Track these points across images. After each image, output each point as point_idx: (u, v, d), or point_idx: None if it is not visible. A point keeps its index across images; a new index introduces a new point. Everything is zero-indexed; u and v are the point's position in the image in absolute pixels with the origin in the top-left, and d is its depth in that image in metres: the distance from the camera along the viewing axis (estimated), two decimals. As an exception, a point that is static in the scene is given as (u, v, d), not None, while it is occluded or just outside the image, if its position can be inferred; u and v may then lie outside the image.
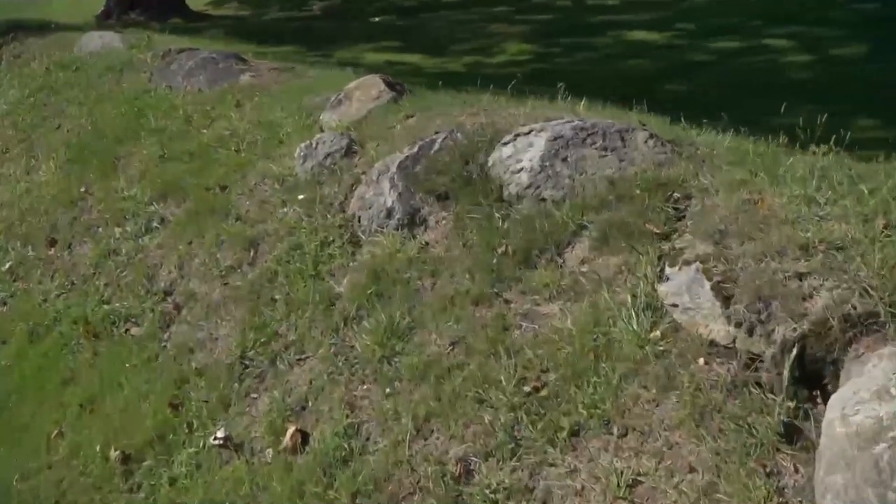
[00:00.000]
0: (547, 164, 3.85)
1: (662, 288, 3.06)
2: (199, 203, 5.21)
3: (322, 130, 5.36)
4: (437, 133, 4.46)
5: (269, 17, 16.87)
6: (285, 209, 4.74)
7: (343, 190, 4.60)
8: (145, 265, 5.07)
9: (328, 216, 4.47)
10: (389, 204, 4.18)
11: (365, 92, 5.58)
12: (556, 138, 3.88)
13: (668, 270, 3.15)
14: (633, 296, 3.17)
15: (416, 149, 4.36)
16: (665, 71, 9.55)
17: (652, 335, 3.00)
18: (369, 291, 3.87)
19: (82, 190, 6.08)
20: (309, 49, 11.98)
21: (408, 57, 11.19)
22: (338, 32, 13.85)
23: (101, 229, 5.67)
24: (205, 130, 6.05)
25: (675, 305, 2.99)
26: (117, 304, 4.89)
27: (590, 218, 3.63)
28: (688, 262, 3.09)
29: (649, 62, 9.97)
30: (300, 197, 4.73)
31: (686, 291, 2.98)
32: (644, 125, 4.16)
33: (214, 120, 6.15)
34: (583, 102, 4.66)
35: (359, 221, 4.36)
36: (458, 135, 4.35)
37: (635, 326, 3.04)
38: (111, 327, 4.82)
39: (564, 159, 3.85)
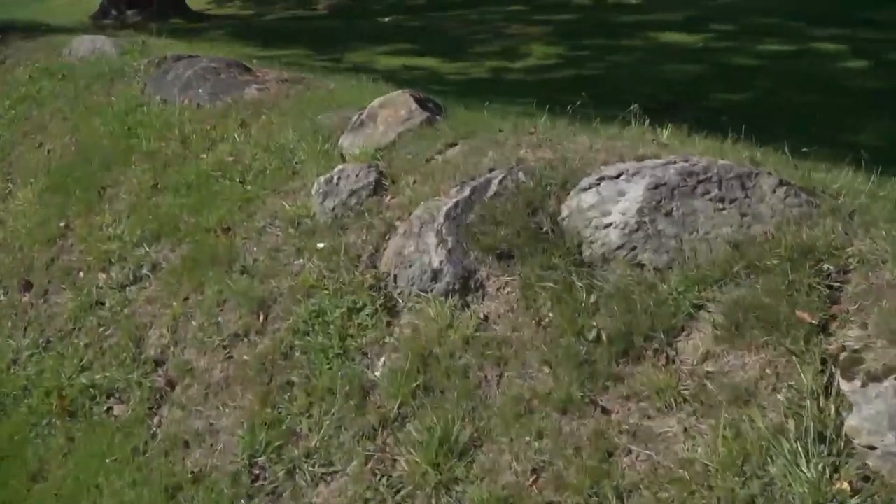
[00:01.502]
0: (646, 219, 2.93)
1: (851, 422, 2.14)
2: (198, 248, 4.30)
3: (343, 159, 4.44)
4: (492, 171, 3.54)
5: (273, 16, 15.94)
6: (301, 260, 3.83)
7: (373, 239, 3.68)
8: (133, 324, 4.16)
9: (356, 273, 3.56)
10: (436, 264, 3.26)
11: (392, 111, 4.66)
12: (657, 186, 2.96)
13: (845, 386, 2.24)
14: (796, 416, 2.27)
15: (467, 191, 3.45)
16: (711, 77, 8.63)
17: (836, 488, 2.09)
18: (414, 384, 2.96)
19: (62, 225, 5.17)
20: (317, 52, 11.06)
21: (425, 61, 10.26)
22: (346, 33, 12.92)
23: (82, 274, 4.76)
24: (204, 155, 5.13)
25: (873, 448, 2.08)
26: (98, 375, 3.98)
27: (709, 295, 2.72)
28: (876, 378, 2.18)
29: (691, 66, 9.03)
30: (319, 245, 3.82)
31: (888, 428, 2.07)
32: (756, 161, 3.25)
33: (216, 142, 5.23)
34: (667, 129, 3.75)
35: (395, 282, 3.45)
36: (520, 174, 3.43)
37: (808, 471, 2.13)
38: (90, 403, 3.91)
39: (668, 213, 2.93)
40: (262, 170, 4.65)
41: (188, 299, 4.06)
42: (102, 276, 4.61)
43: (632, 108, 4.05)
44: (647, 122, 3.89)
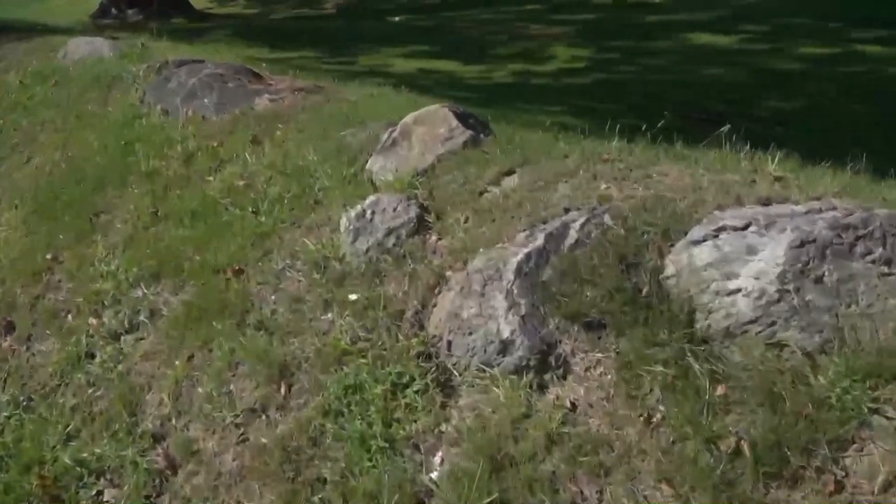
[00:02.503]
0: (789, 286, 2.23)
1: None
2: (205, 293, 3.60)
3: (374, 186, 3.75)
4: (567, 211, 2.85)
5: (279, 16, 15.24)
6: (330, 315, 3.14)
7: (419, 292, 2.98)
8: (127, 385, 3.46)
9: (398, 336, 2.87)
10: (507, 333, 2.56)
11: (429, 129, 3.96)
12: (803, 243, 2.26)
13: None
14: None
15: (539, 239, 2.75)
16: (754, 82, 7.92)
17: None
18: (487, 500, 2.27)
19: (49, 257, 4.47)
20: (328, 54, 10.36)
21: (442, 64, 9.55)
22: (356, 34, 12.22)
23: (70, 317, 4.06)
24: (211, 178, 4.43)
25: None
26: (86, 451, 3.27)
27: (885, 394, 2.03)
28: None
29: (731, 71, 8.32)
30: (352, 297, 3.12)
31: None
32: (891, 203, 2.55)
33: (224, 162, 4.53)
34: (775, 159, 3.04)
35: (449, 349, 2.75)
36: (606, 217, 2.74)
37: None
38: (77, 484, 3.20)
39: (819, 279, 2.23)
40: (278, 198, 3.95)
41: (193, 358, 3.36)
42: (93, 321, 3.91)
43: (723, 129, 3.37)
44: (749, 146, 3.19)
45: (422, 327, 2.90)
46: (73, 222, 4.56)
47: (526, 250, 2.71)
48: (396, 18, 14.24)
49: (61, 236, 4.52)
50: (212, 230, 3.95)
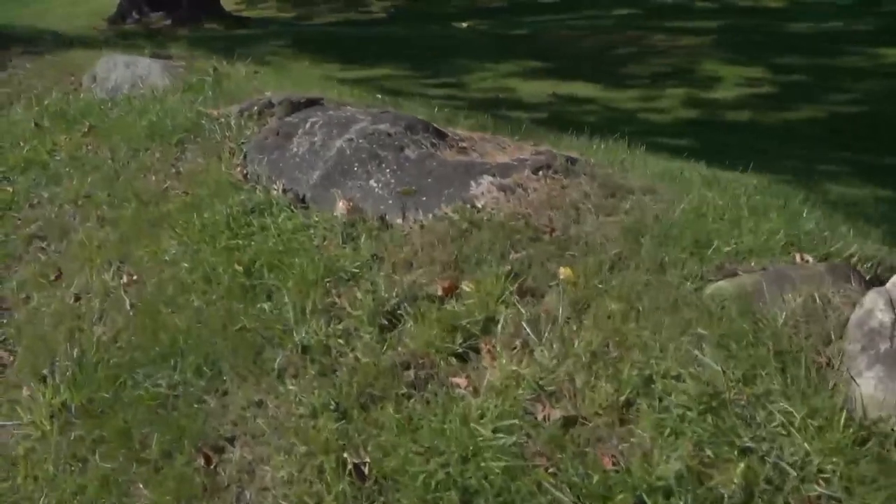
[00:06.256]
0: None
1: None
2: None
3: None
4: None
5: (323, 20, 12.90)
6: None
7: None
8: None
9: None
10: None
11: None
12: None
13: None
14: None
15: None
16: None
17: None
18: None
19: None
20: (417, 71, 8.01)
21: (576, 87, 7.23)
22: (432, 43, 9.88)
23: None
24: (460, 380, 2.10)
25: None
26: None
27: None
28: None
29: None
30: None
31: None
32: None
33: (473, 338, 2.20)
34: None
35: None
36: None
37: None
38: None
39: None
40: (681, 481, 1.64)
41: None
42: None
43: None
44: None
45: None
46: (167, 459, 2.21)
47: None
48: (464, 24, 11.95)
49: (144, 488, 2.17)
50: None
